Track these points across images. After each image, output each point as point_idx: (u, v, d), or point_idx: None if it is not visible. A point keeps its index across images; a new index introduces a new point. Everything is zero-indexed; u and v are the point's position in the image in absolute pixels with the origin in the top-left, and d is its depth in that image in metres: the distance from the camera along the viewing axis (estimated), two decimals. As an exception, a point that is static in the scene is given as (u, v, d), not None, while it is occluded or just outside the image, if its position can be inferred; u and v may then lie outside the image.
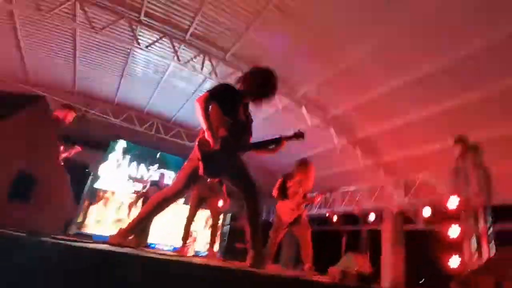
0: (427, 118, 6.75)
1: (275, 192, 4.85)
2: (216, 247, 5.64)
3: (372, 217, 8.77)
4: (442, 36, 5.09)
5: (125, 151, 10.61)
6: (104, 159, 10.30)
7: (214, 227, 5.27)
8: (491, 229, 5.71)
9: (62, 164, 3.83)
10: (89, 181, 9.58)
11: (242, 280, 1.36)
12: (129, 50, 7.38)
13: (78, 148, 4.70)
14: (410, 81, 6.14)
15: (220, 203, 5.47)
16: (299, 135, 2.89)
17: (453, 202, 5.99)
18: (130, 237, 2.42)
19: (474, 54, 5.13)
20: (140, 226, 2.42)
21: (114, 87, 9.10)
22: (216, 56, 7.06)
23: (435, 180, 7.02)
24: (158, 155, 10.99)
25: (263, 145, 2.70)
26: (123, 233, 2.31)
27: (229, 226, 10.82)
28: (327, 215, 9.80)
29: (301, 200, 4.61)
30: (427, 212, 7.38)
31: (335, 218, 9.47)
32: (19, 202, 2.31)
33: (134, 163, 10.63)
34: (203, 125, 2.27)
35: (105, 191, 9.90)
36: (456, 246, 6.03)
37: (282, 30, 6.02)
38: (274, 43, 6.43)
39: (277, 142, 2.72)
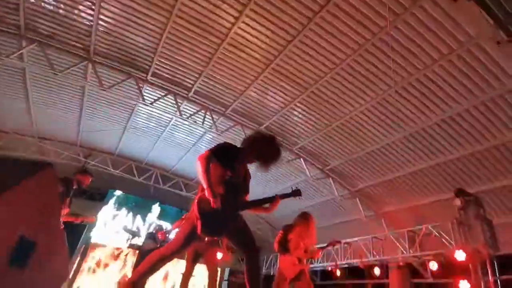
0: (426, 170, 6.89)
1: (276, 245, 4.73)
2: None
3: (377, 270, 8.39)
4: (438, 92, 5.41)
5: (122, 203, 10.43)
6: (99, 209, 10.09)
7: (211, 282, 4.99)
8: (499, 280, 5.53)
9: (63, 225, 3.81)
10: (84, 233, 9.27)
11: None
12: (133, 106, 7.69)
13: (93, 219, 4.91)
14: (408, 135, 6.38)
15: (219, 255, 5.27)
16: (296, 193, 2.92)
17: (460, 255, 5.86)
18: None
19: (471, 109, 5.41)
20: (141, 281, 2.35)
21: (116, 139, 9.29)
22: (217, 111, 7.36)
23: (438, 233, 6.90)
24: (155, 205, 10.77)
25: (258, 204, 2.72)
26: (124, 285, 2.25)
27: (227, 281, 10.26)
28: (329, 268, 9.37)
29: (302, 255, 4.48)
30: (434, 265, 7.12)
31: (338, 272, 9.04)
32: (18, 267, 2.25)
33: (130, 215, 10.39)
34: (204, 184, 2.29)
35: (97, 245, 9.49)
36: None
37: (279, 89, 6.40)
38: (272, 101, 6.78)
39: (272, 200, 2.75)
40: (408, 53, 4.95)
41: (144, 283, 5.44)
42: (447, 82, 5.15)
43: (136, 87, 6.63)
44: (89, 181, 4.81)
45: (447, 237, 6.61)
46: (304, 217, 4.89)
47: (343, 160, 7.75)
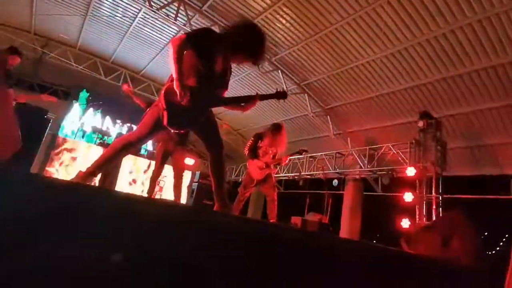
0: (396, 93, 6.98)
1: (246, 151, 4.87)
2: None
3: (335, 182, 9.22)
4: (419, 14, 5.16)
5: (89, 101, 9.91)
6: (65, 109, 9.60)
7: (177, 182, 5.19)
8: (441, 197, 6.32)
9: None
10: (47, 129, 8.94)
11: (207, 221, 1.35)
12: (94, -12, 6.64)
13: (52, 98, 4.40)
14: (386, 56, 6.23)
15: (188, 161, 5.38)
16: (281, 95, 2.73)
17: (411, 171, 6.48)
18: (91, 182, 2.31)
19: (451, 34, 5.25)
20: (100, 171, 2.31)
21: (77, 29, 8.27)
22: (193, 6, 6.57)
23: (396, 152, 7.44)
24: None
25: (235, 102, 2.55)
26: (82, 176, 2.18)
27: (197, 183, 10.87)
28: (294, 178, 10.15)
29: (270, 160, 4.68)
30: (385, 180, 7.90)
31: (300, 182, 9.84)
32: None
33: (99, 115, 10.03)
34: (173, 72, 2.07)
35: (65, 139, 9.32)
36: (409, 211, 6.63)
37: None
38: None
39: (251, 99, 2.62)
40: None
41: (115, 176, 5.59)
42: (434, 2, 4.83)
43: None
44: (16, 62, 3.95)
45: (403, 156, 7.17)
46: (276, 127, 4.96)
47: (321, 76, 7.61)
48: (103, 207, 1.10)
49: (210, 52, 2.22)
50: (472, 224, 2.98)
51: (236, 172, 12.22)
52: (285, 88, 8.07)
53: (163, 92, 2.16)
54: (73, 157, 8.93)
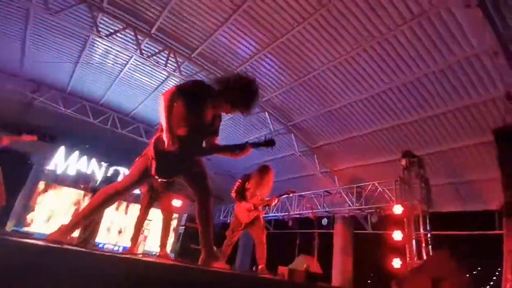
0: (378, 132, 7.30)
1: (233, 193, 4.84)
2: (168, 248, 5.44)
3: (325, 221, 9.14)
4: (394, 61, 5.61)
5: (75, 145, 9.85)
6: (50, 152, 9.48)
7: (165, 228, 5.05)
8: (429, 234, 6.33)
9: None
10: (30, 174, 8.75)
11: (187, 276, 1.34)
12: (87, 38, 6.92)
13: (31, 137, 4.29)
14: (366, 98, 6.59)
15: (175, 203, 5.29)
16: (269, 143, 2.79)
17: (398, 209, 6.53)
18: (73, 235, 2.24)
19: (425, 78, 5.66)
20: (85, 222, 2.25)
21: (68, 75, 8.46)
22: (182, 54, 6.91)
23: (382, 189, 7.55)
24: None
25: (225, 150, 2.58)
26: (64, 230, 2.11)
27: (184, 227, 10.55)
28: (283, 218, 10.01)
29: (258, 202, 4.65)
30: (374, 217, 7.90)
31: (290, 222, 9.70)
32: None
33: (85, 158, 9.92)
34: (163, 123, 2.13)
35: (48, 184, 9.07)
36: (399, 249, 6.57)
37: (249, 35, 6.10)
38: (242, 48, 6.48)
39: (242, 148, 2.65)
40: (381, 9, 4.90)
41: (98, 223, 5.40)
42: (410, 45, 5.27)
43: (90, 15, 5.90)
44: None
45: (389, 194, 7.27)
46: (263, 168, 5.00)
47: (306, 117, 7.90)
48: (74, 269, 1.08)
49: (200, 103, 2.31)
50: (461, 264, 3.00)
51: (224, 213, 11.98)
52: (271, 128, 8.29)
53: (152, 142, 2.21)
54: (56, 203, 8.66)
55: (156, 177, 2.24)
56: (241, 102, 2.37)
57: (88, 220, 2.29)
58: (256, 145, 2.63)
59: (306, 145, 8.69)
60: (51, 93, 8.94)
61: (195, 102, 2.27)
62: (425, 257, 5.88)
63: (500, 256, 4.30)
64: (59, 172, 9.43)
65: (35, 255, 1.04)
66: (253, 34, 6.05)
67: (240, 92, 2.34)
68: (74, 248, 1.55)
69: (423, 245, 6.09)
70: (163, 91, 2.27)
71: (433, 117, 6.30)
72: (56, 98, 9.01)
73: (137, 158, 2.37)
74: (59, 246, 1.45)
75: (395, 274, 5.17)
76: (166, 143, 2.15)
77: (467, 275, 3.34)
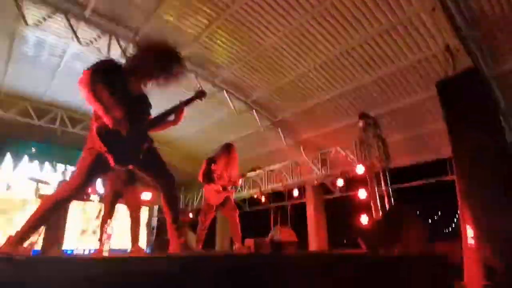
0: (335, 98, 7.46)
1: (200, 177, 4.77)
2: (142, 243, 5.30)
3: (296, 192, 9.41)
4: (342, 25, 5.64)
5: (22, 151, 9.04)
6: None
7: (134, 223, 4.89)
8: (390, 189, 6.77)
9: None
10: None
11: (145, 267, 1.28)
12: (13, 30, 6.18)
13: None
14: (320, 65, 6.65)
15: (145, 196, 5.12)
16: (200, 94, 2.72)
17: (360, 169, 6.86)
18: (24, 245, 2.05)
19: (371, 40, 5.78)
20: (34, 232, 2.06)
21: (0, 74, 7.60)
22: (125, 37, 6.43)
23: (345, 153, 7.87)
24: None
25: (162, 118, 2.48)
26: (12, 242, 1.93)
27: (157, 218, 10.36)
28: (255, 196, 10.15)
29: (226, 183, 4.63)
30: (340, 181, 8.26)
31: (263, 198, 9.86)
32: None
33: (36, 163, 9.18)
34: (99, 109, 1.99)
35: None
36: (366, 207, 6.96)
37: (195, 11, 5.80)
38: (189, 25, 6.16)
39: (177, 109, 2.53)
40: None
41: (61, 230, 5.07)
42: (355, 8, 5.33)
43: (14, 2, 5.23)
44: None
45: (352, 156, 7.59)
46: (227, 147, 4.96)
47: (265, 91, 7.85)
48: (25, 280, 0.99)
49: (120, 81, 2.17)
50: (415, 212, 3.23)
51: (197, 200, 11.89)
52: (232, 107, 8.16)
53: (95, 133, 2.03)
54: (8, 218, 8.02)
55: (118, 167, 2.11)
56: (157, 69, 2.24)
57: (37, 229, 2.10)
58: (188, 101, 2.57)
59: (268, 119, 8.71)
60: (-17, 96, 8.03)
61: (116, 80, 2.13)
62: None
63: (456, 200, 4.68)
64: (9, 182, 8.67)
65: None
66: (199, 9, 5.75)
67: (152, 56, 2.22)
68: (23, 258, 1.42)
69: (386, 199, 6.50)
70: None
71: (384, 76, 6.55)
72: (-10, 101, 8.12)
73: (79, 159, 2.18)
74: (6, 258, 1.33)
75: (359, 230, 5.50)
76: (110, 129, 2.00)
77: (423, 221, 3.62)
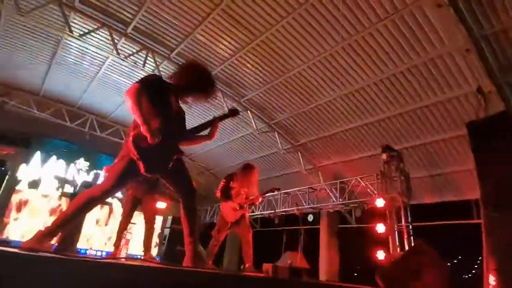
0: (358, 128, 7.43)
1: (218, 193, 4.81)
2: (153, 252, 5.33)
3: (310, 217, 9.25)
4: (370, 58, 5.73)
5: (51, 149, 9.46)
6: (25, 157, 9.09)
7: (148, 230, 4.96)
8: (410, 225, 6.52)
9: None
10: (5, 181, 8.33)
11: (172, 278, 1.32)
12: (60, 38, 6.67)
13: (8, 150, 4.11)
14: (346, 94, 6.70)
15: (159, 205, 5.21)
16: (233, 112, 2.83)
17: (380, 202, 6.69)
18: (50, 242, 2.15)
19: (400, 75, 5.81)
20: (63, 229, 2.16)
21: (41, 77, 8.13)
22: (161, 54, 6.78)
23: (365, 184, 7.71)
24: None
25: (196, 132, 2.61)
26: (39, 237, 2.01)
27: (169, 229, 10.39)
28: (269, 216, 10.05)
29: (243, 201, 4.64)
30: (358, 212, 8.06)
31: (276, 219, 9.75)
32: None
33: (62, 163, 9.57)
34: (139, 120, 2.10)
35: (23, 192, 8.68)
36: (382, 242, 6.73)
37: (229, 35, 6.07)
38: (221, 47, 6.43)
39: (210, 124, 2.65)
40: (357, 8, 4.99)
41: (78, 229, 5.23)
42: (387, 43, 5.40)
43: (61, 15, 5.68)
44: None
45: (371, 188, 7.43)
46: (247, 167, 4.99)
47: (288, 114, 7.94)
48: (51, 276, 1.04)
49: (164, 95, 2.33)
50: (438, 253, 3.11)
51: (211, 213, 11.90)
52: (254, 127, 8.28)
53: (131, 141, 2.15)
54: (31, 210, 8.31)
55: (148, 174, 2.20)
56: (196, 87, 2.43)
57: (67, 226, 2.21)
58: (221, 117, 2.70)
59: (289, 142, 8.75)
60: (24, 96, 8.58)
61: (159, 94, 2.28)
62: (407, 248, 6.06)
63: (479, 244, 4.46)
64: (36, 178, 9.06)
65: (8, 264, 1.00)
66: (232, 33, 6.02)
67: (192, 77, 2.41)
68: (50, 255, 1.49)
69: (405, 236, 6.27)
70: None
71: (410, 112, 6.48)
72: (29, 101, 8.66)
73: (114, 163, 2.30)
74: (33, 253, 1.39)
75: (378, 266, 5.29)
76: (146, 138, 2.12)
77: (446, 264, 3.47)
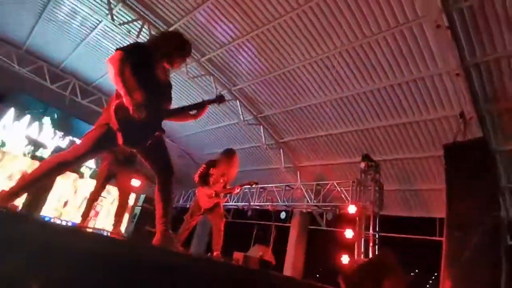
0: (342, 135, 7.58)
1: (196, 178, 4.76)
2: (122, 229, 5.25)
3: (283, 215, 9.36)
4: (366, 68, 5.83)
5: (26, 109, 9.00)
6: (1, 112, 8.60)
7: (121, 207, 4.85)
8: (377, 235, 6.74)
9: None
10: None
11: (143, 256, 1.29)
12: (53, -8, 6.32)
13: None
14: (336, 100, 6.78)
15: (134, 182, 5.10)
16: (220, 98, 2.83)
17: (352, 209, 6.86)
18: (14, 203, 2.05)
19: (395, 86, 5.93)
20: (28, 190, 2.07)
21: (27, 30, 7.68)
22: (157, 27, 6.57)
23: (340, 189, 7.89)
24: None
25: (184, 110, 2.56)
26: (4, 196, 1.93)
27: (141, 207, 10.22)
28: (243, 208, 10.09)
29: (220, 189, 4.62)
30: (329, 215, 8.24)
31: (249, 212, 9.80)
32: None
33: (36, 124, 9.13)
34: (121, 90, 2.00)
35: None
36: (348, 247, 6.92)
37: (230, 20, 5.96)
38: (221, 31, 6.32)
39: (200, 106, 2.62)
40: (360, 16, 5.04)
41: (45, 195, 5.03)
42: (383, 56, 5.50)
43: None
44: None
45: (346, 194, 7.60)
46: (228, 153, 4.93)
47: (277, 110, 7.95)
48: (22, 234, 1.00)
49: (148, 64, 2.23)
50: (401, 265, 3.23)
51: (185, 198, 11.80)
52: (241, 118, 8.24)
53: (113, 110, 2.07)
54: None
55: (125, 146, 2.13)
56: (175, 51, 2.38)
57: (33, 187, 2.11)
58: (210, 101, 2.67)
59: (273, 138, 8.78)
60: (5, 47, 8.09)
61: (143, 64, 2.18)
62: (370, 256, 6.26)
63: (436, 261, 4.69)
64: (5, 135, 8.61)
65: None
66: (234, 19, 5.92)
67: (171, 42, 2.37)
68: (13, 213, 1.42)
69: (371, 244, 6.47)
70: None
71: (394, 126, 6.67)
72: (10, 53, 8.18)
73: (90, 130, 2.20)
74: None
75: (342, 269, 5.45)
76: (128, 109, 2.03)
77: (407, 277, 3.61)
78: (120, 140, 2.06)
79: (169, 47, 2.32)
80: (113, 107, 2.06)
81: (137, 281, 1.16)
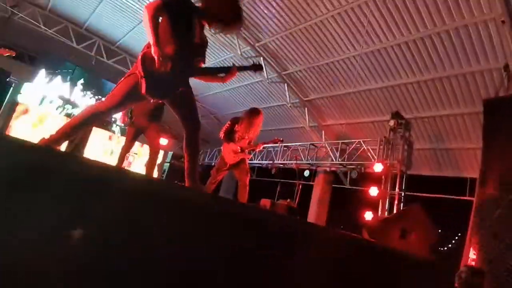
0: (371, 91, 7.20)
1: (221, 134, 4.82)
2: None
3: (307, 173, 9.43)
4: (401, 16, 5.32)
5: (57, 69, 9.26)
6: (29, 74, 8.94)
7: (150, 161, 5.07)
8: (403, 194, 6.69)
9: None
10: (10, 92, 8.30)
11: (178, 197, 1.33)
12: None
13: (9, 52, 4.09)
14: (366, 53, 6.36)
15: (161, 141, 5.26)
16: (257, 67, 2.75)
17: (378, 167, 6.77)
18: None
19: (429, 39, 5.43)
20: (67, 139, 2.19)
21: (49, -10, 7.67)
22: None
23: (366, 148, 7.73)
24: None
25: (214, 72, 2.54)
26: (45, 143, 2.05)
27: (169, 164, 10.70)
28: (268, 166, 10.25)
29: (245, 145, 4.67)
30: (354, 174, 8.20)
31: (273, 170, 9.96)
32: None
33: (67, 84, 9.44)
34: (150, 39, 1.97)
35: (26, 107, 8.68)
36: (372, 205, 6.96)
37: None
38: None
39: (229, 70, 2.54)
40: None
41: (81, 148, 5.35)
42: (418, 1, 4.98)
43: None
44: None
45: (372, 153, 7.45)
46: (254, 111, 4.91)
47: (302, 67, 7.65)
48: (74, 173, 1.05)
49: (186, 19, 2.15)
50: (430, 220, 3.20)
51: (210, 156, 12.14)
52: (265, 76, 8.04)
53: (140, 58, 2.06)
54: (34, 125, 8.39)
55: (147, 96, 2.15)
56: (225, 16, 2.24)
57: (68, 138, 2.23)
58: (242, 68, 2.60)
59: (298, 97, 8.57)
60: (32, 9, 8.16)
61: (181, 17, 2.11)
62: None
63: (462, 221, 4.59)
64: (39, 95, 9.02)
65: (33, 155, 1.01)
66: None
67: (223, 6, 2.23)
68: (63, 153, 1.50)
69: (396, 203, 6.46)
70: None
71: (428, 81, 6.23)
72: (36, 15, 8.26)
73: (122, 79, 2.23)
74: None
75: (365, 223, 5.53)
76: (155, 60, 2.02)
77: (435, 231, 3.60)
78: (143, 88, 2.08)
79: (225, 14, 2.23)
80: (141, 55, 2.05)
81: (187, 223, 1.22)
